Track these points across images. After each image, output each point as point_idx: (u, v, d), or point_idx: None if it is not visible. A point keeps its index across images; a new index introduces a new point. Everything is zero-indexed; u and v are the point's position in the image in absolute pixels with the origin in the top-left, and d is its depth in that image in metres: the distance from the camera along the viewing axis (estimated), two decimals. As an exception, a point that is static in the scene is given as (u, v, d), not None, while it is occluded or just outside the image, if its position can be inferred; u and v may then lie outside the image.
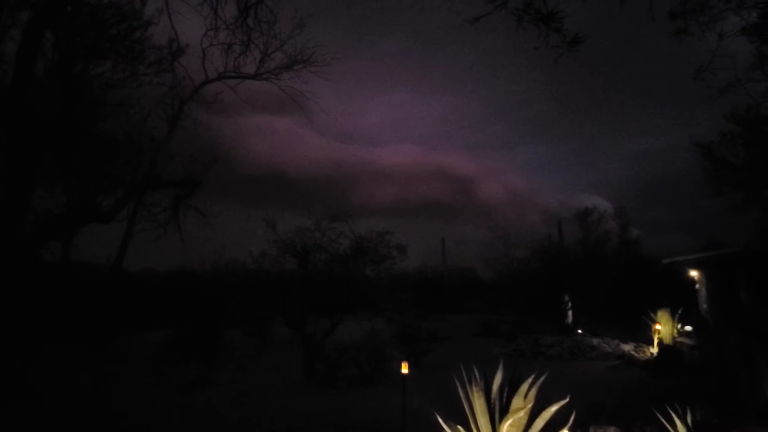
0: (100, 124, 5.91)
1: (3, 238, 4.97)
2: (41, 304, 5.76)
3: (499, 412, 3.92)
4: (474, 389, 3.99)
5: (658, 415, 4.22)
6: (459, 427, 3.98)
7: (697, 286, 11.64)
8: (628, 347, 13.10)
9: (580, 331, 15.69)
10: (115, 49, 5.75)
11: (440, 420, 4.04)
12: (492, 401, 3.94)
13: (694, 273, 11.67)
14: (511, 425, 3.75)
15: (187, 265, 19.67)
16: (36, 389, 8.01)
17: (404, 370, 5.73)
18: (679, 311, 12.83)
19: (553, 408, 3.80)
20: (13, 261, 5.02)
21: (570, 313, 16.96)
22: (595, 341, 13.71)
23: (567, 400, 3.80)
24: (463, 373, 4.08)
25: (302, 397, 8.59)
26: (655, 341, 12.33)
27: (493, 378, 4.04)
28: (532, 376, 3.90)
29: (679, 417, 4.04)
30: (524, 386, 3.86)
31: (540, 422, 3.80)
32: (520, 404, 3.80)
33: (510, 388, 3.95)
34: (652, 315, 12.88)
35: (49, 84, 5.67)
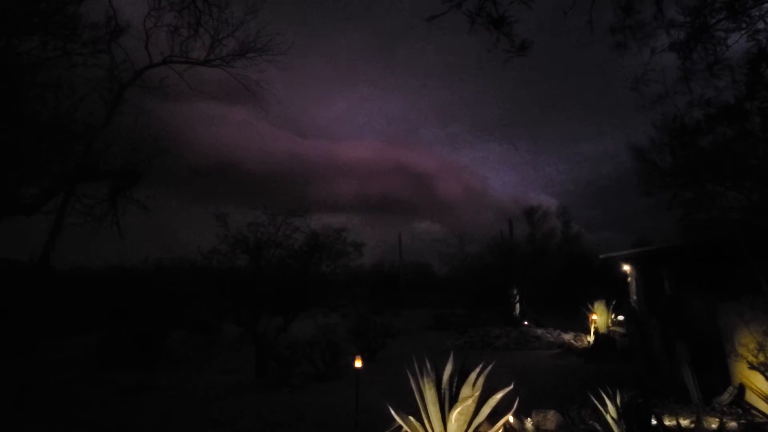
0: (23, 106, 5.34)
1: None
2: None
3: (449, 401, 4.05)
4: (425, 380, 4.09)
5: (592, 397, 4.55)
6: (411, 417, 4.06)
7: (629, 279, 12.67)
8: (568, 336, 13.98)
9: (526, 323, 16.54)
10: (44, 25, 5.22)
11: (392, 411, 4.10)
12: (442, 391, 4.06)
13: (626, 267, 12.68)
14: (459, 413, 3.89)
15: (127, 262, 18.45)
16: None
17: (358, 364, 5.75)
18: (613, 302, 13.90)
19: (499, 395, 3.98)
20: None
21: (517, 305, 17.82)
22: (540, 332, 14.52)
23: (512, 387, 4.00)
24: (416, 366, 4.16)
25: (253, 398, 8.36)
26: (592, 330, 13.25)
27: (443, 369, 4.16)
28: (480, 366, 4.06)
29: (609, 399, 4.37)
30: (473, 375, 4.01)
31: (486, 409, 3.97)
32: (469, 393, 3.94)
33: (459, 377, 4.09)
34: (590, 306, 13.84)
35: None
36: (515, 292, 17.81)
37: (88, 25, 5.64)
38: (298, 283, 11.58)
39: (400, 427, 4.21)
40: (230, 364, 12.34)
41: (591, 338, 13.01)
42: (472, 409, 3.91)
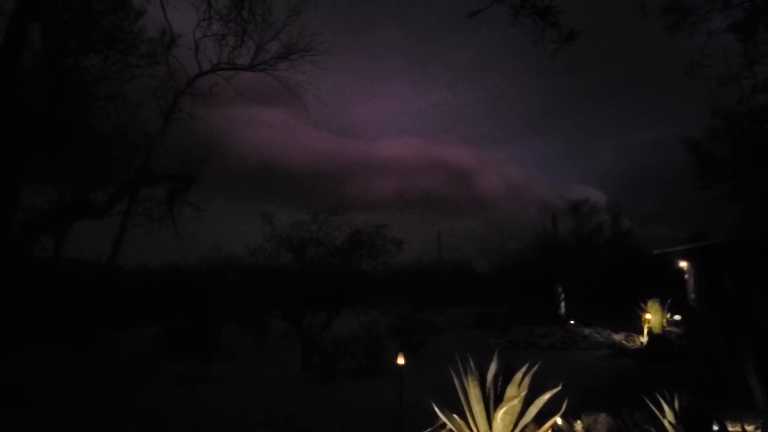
0: (91, 118, 5.85)
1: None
2: (30, 301, 5.73)
3: (493, 400, 4.02)
4: (469, 379, 4.08)
5: (647, 401, 4.35)
6: (455, 415, 4.08)
7: (686, 276, 11.88)
8: (619, 337, 13.35)
9: (572, 322, 15.95)
10: (106, 41, 5.68)
11: (436, 409, 4.13)
12: (487, 390, 4.04)
13: (683, 263, 11.90)
14: (505, 413, 3.86)
15: (182, 260, 19.60)
16: (26, 390, 7.95)
17: (400, 361, 5.81)
18: (669, 301, 13.10)
19: (546, 396, 3.91)
20: (4, 258, 5.00)
21: (563, 304, 17.21)
22: (587, 331, 13.96)
23: (559, 387, 3.91)
24: (459, 364, 4.17)
25: (301, 391, 8.67)
26: (645, 330, 12.58)
27: (487, 368, 4.13)
28: (526, 366, 4.00)
29: (667, 403, 4.17)
30: (518, 375, 3.96)
31: (533, 409, 3.91)
32: (514, 392, 3.90)
33: (504, 377, 4.05)
34: (643, 305, 13.13)
35: (37, 78, 5.59)
36: (560, 290, 17.21)
37: (144, 39, 6.07)
38: (340, 280, 11.86)
39: (444, 424, 4.23)
40: (277, 358, 12.84)
41: (644, 339, 12.37)
42: (518, 409, 3.87)
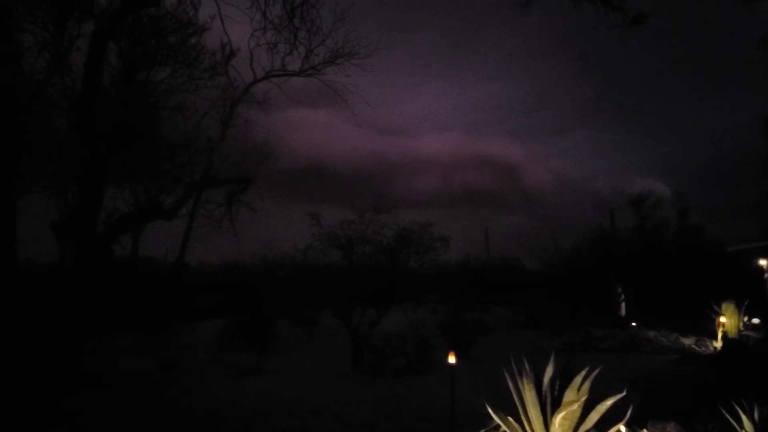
0: (160, 127, 6.35)
1: (81, 235, 5.49)
2: (113, 295, 6.33)
3: (550, 404, 3.90)
4: (525, 381, 3.98)
5: (722, 410, 4.02)
6: (509, 418, 4.00)
7: (766, 275, 10.78)
8: (688, 341, 12.40)
9: (634, 324, 15.01)
10: (173, 56, 6.14)
11: (490, 410, 4.07)
12: (543, 393, 3.92)
13: (762, 261, 10.81)
14: (564, 418, 3.73)
15: (237, 258, 20.68)
16: (107, 377, 8.80)
17: (451, 359, 5.79)
18: (746, 303, 11.98)
19: (609, 402, 3.73)
20: (89, 257, 5.54)
21: (623, 304, 16.23)
22: (652, 334, 13.10)
23: (624, 393, 3.71)
24: (513, 365, 4.07)
25: (352, 386, 8.87)
26: (719, 335, 11.58)
27: (542, 370, 4.01)
28: (586, 369, 3.84)
29: (745, 413, 3.83)
30: (578, 379, 3.81)
31: (595, 416, 3.74)
32: (573, 397, 3.76)
33: (562, 380, 3.91)
34: (716, 307, 12.09)
35: (114, 92, 6.14)
36: (620, 290, 16.23)
37: (206, 52, 6.48)
38: (387, 277, 11.96)
39: (498, 426, 4.16)
40: (327, 353, 13.21)
41: (718, 343, 11.39)
42: (577, 414, 3.72)
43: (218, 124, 6.99)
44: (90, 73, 5.57)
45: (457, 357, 6.21)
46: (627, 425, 4.52)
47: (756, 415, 3.81)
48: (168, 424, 6.23)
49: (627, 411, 3.92)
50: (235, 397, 8.02)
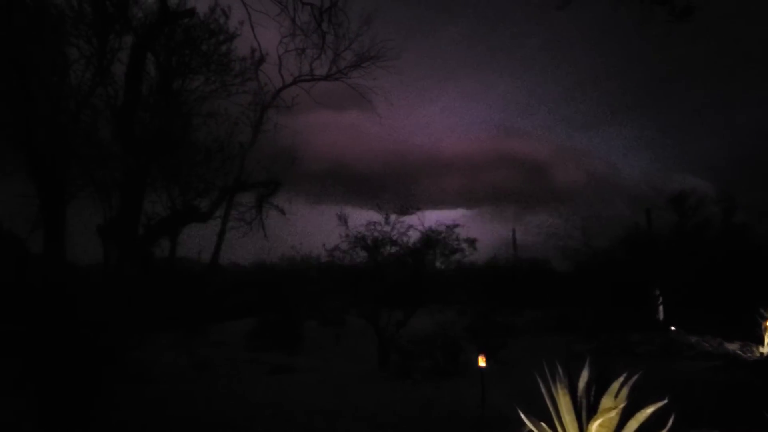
0: (195, 133, 6.58)
1: (124, 238, 5.76)
2: (152, 295, 6.61)
3: (586, 411, 3.79)
4: (558, 386, 3.89)
5: (773, 422, 3.79)
6: (543, 423, 3.92)
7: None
8: (733, 346, 11.79)
9: (674, 328, 14.37)
10: (206, 64, 6.36)
11: (522, 415, 4.00)
12: (578, 399, 3.82)
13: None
14: (601, 425, 3.62)
15: (266, 259, 21.14)
16: (147, 372, 9.20)
17: (481, 363, 5.73)
18: (798, 307, 11.25)
19: (650, 409, 3.59)
20: (131, 258, 5.81)
21: (661, 307, 15.55)
22: (694, 339, 12.52)
23: (665, 401, 3.57)
24: (546, 369, 3.98)
25: (380, 387, 8.91)
26: (766, 340, 10.93)
27: (576, 375, 3.91)
28: (624, 375, 3.71)
29: (801, 426, 3.60)
30: (615, 385, 3.69)
31: (634, 424, 3.61)
32: (611, 404, 3.64)
33: (598, 386, 3.80)
34: (763, 311, 11.42)
35: (152, 101, 6.40)
36: (658, 292, 15.55)
37: (237, 59, 6.66)
38: (413, 279, 11.95)
39: (530, 431, 4.08)
40: (354, 353, 13.32)
41: (765, 349, 10.79)
42: (615, 422, 3.60)
43: (249, 129, 7.16)
44: (130, 83, 5.85)
45: (487, 360, 6.14)
46: (668, 435, 4.33)
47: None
48: (202, 419, 6.45)
49: (668, 420, 3.76)
50: (265, 394, 8.22)
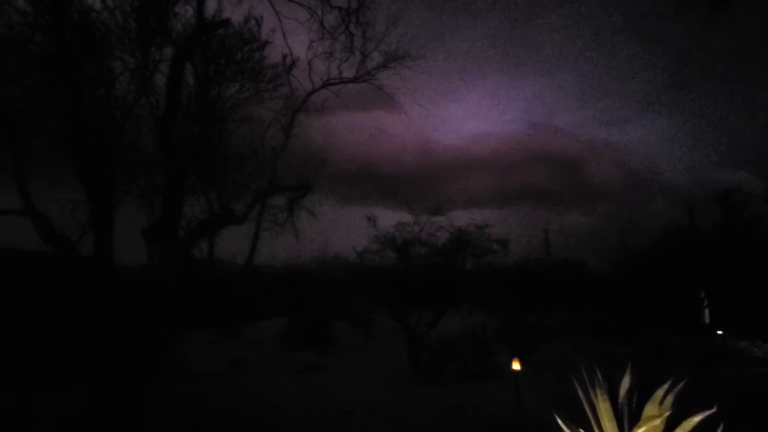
0: (230, 139, 6.83)
1: (166, 240, 6.04)
2: (192, 295, 6.89)
3: (627, 418, 3.65)
4: (598, 392, 3.77)
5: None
6: (581, 430, 3.81)
7: None
8: (787, 353, 11.02)
9: (720, 332, 13.59)
10: (240, 72, 6.59)
11: (559, 421, 3.90)
12: (620, 406, 3.69)
13: None
14: (644, 433, 3.48)
15: (298, 260, 21.57)
16: (186, 369, 9.58)
17: (516, 366, 5.62)
18: None
19: (697, 418, 3.42)
20: (173, 260, 6.08)
21: (707, 310, 14.74)
22: (742, 344, 11.81)
23: (714, 410, 3.40)
24: (584, 374, 3.87)
25: (410, 388, 8.90)
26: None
27: (619, 381, 3.77)
28: (669, 382, 3.55)
29: None
30: (659, 392, 3.54)
31: (679, 432, 3.45)
32: (655, 412, 3.50)
33: (641, 393, 3.66)
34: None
35: (191, 109, 6.69)
36: (703, 295, 14.74)
37: (269, 65, 6.87)
38: (443, 280, 11.84)
39: (568, 437, 3.97)
40: (384, 354, 13.36)
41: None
42: (659, 431, 3.46)
43: (280, 134, 7.36)
44: (171, 93, 6.13)
45: (520, 363, 6.02)
46: (717, 445, 4.12)
47: None
48: (236, 416, 6.66)
49: (716, 430, 3.57)
50: (297, 394, 8.37)
